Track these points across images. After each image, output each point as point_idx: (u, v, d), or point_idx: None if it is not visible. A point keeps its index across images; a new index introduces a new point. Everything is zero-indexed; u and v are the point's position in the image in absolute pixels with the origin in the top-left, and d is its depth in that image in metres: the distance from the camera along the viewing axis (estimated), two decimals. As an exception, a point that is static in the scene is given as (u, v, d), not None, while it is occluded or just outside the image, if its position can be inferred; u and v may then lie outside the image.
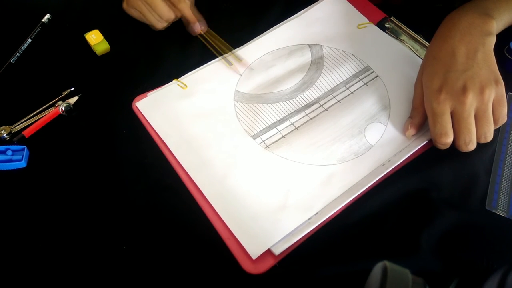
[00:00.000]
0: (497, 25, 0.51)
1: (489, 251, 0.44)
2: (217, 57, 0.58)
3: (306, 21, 0.62)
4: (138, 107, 0.54)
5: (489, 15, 0.50)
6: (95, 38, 0.59)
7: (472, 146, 0.47)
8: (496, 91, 0.46)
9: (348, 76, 0.57)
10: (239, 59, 0.57)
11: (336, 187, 0.47)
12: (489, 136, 0.47)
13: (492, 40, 0.49)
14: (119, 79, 0.57)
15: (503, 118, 0.47)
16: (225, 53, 0.58)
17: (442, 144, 0.48)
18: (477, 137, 0.47)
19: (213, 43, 0.59)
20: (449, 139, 0.47)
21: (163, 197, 0.48)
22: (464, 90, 0.46)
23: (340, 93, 0.55)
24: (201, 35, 0.60)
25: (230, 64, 0.57)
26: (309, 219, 0.45)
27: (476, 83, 0.46)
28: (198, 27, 0.59)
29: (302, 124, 0.53)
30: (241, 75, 0.56)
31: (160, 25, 0.58)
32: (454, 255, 0.44)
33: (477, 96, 0.46)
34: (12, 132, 0.53)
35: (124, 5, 0.58)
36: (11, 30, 0.62)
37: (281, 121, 0.53)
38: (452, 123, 0.47)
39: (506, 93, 0.48)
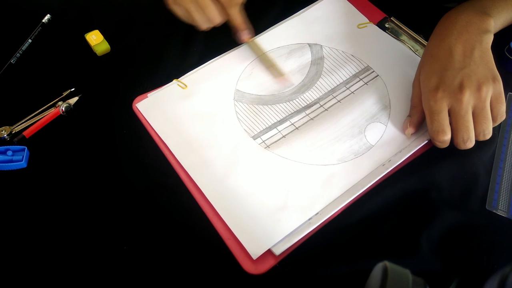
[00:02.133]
0: (495, 24, 0.50)
1: (489, 251, 0.44)
2: (214, 57, 0.59)
3: (306, 20, 0.62)
4: (139, 108, 0.54)
5: (486, 13, 0.50)
6: (95, 39, 0.59)
7: (470, 144, 0.47)
8: (493, 88, 0.46)
9: (348, 76, 0.57)
10: (281, 73, 0.56)
11: (337, 187, 0.47)
12: (487, 134, 0.48)
13: (490, 38, 0.49)
14: (119, 80, 0.57)
15: (502, 115, 0.47)
16: (267, 63, 0.57)
17: (440, 142, 0.48)
18: (476, 135, 0.47)
19: (257, 53, 0.58)
20: (447, 137, 0.47)
21: (163, 197, 0.48)
22: (461, 88, 0.46)
23: (340, 93, 0.55)
24: (247, 43, 0.59)
25: (277, 75, 0.56)
26: (309, 219, 0.45)
27: (473, 81, 0.46)
28: (246, 34, 0.57)
29: (303, 124, 0.53)
30: (288, 87, 0.56)
31: (206, 26, 0.56)
32: (455, 255, 0.44)
33: (474, 93, 0.46)
34: (13, 132, 0.53)
35: (170, 0, 0.56)
36: (11, 30, 0.62)
37: (281, 121, 0.53)
38: (450, 121, 0.47)
39: (506, 93, 0.48)
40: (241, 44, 0.59)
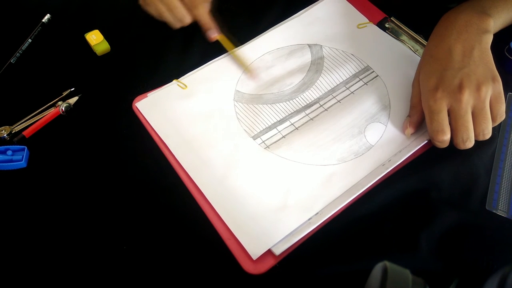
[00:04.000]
0: (495, 24, 0.51)
1: (489, 251, 0.44)
2: (214, 57, 0.59)
3: (306, 21, 0.62)
4: (138, 108, 0.54)
5: (486, 13, 0.50)
6: (95, 39, 0.59)
7: (469, 144, 0.47)
8: (493, 88, 0.46)
9: (348, 76, 0.57)
10: (250, 71, 0.57)
11: (336, 187, 0.47)
12: (487, 134, 0.48)
13: (489, 38, 0.49)
14: (119, 79, 0.57)
15: (501, 115, 0.47)
16: (238, 61, 0.58)
17: (439, 142, 0.48)
18: (475, 135, 0.47)
19: (229, 49, 0.58)
20: (446, 136, 0.47)
21: (163, 197, 0.48)
22: (460, 88, 0.46)
23: (340, 93, 0.55)
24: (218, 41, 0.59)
25: (247, 72, 0.57)
26: (309, 219, 0.45)
27: (473, 81, 0.46)
28: (213, 33, 0.58)
29: (302, 124, 0.53)
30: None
31: (178, 25, 0.58)
32: (454, 255, 0.44)
33: (474, 93, 0.46)
34: (12, 132, 0.53)
35: (141, 1, 0.58)
36: (11, 30, 0.62)
37: (281, 121, 0.53)
38: (450, 121, 0.47)
39: (506, 93, 0.48)
40: (249, 40, 0.60)
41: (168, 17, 0.57)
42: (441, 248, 0.44)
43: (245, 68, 0.57)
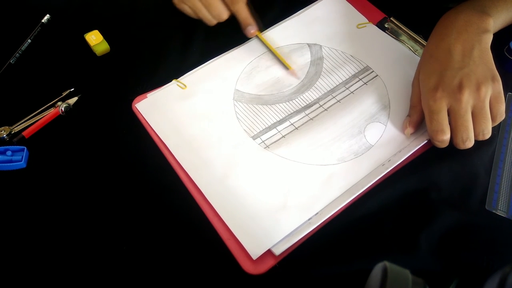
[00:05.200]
0: (495, 23, 0.51)
1: (489, 251, 0.44)
2: (214, 57, 0.59)
3: (306, 20, 0.62)
4: (138, 109, 0.54)
5: (486, 12, 0.50)
6: (94, 39, 0.59)
7: (469, 144, 0.47)
8: (493, 88, 0.46)
9: (347, 77, 0.57)
10: (288, 67, 0.57)
11: (336, 187, 0.47)
12: (487, 133, 0.48)
13: (489, 38, 0.49)
14: (119, 80, 0.57)
15: (501, 115, 0.47)
16: (278, 55, 0.58)
17: (439, 141, 0.48)
18: (475, 134, 0.47)
19: (267, 45, 0.59)
20: (446, 136, 0.47)
21: (163, 197, 0.48)
22: (460, 88, 0.46)
23: (339, 93, 0.55)
24: (257, 36, 0.59)
25: (287, 68, 0.57)
26: (309, 219, 0.45)
27: (472, 80, 0.46)
28: (253, 29, 0.58)
29: (302, 124, 0.53)
30: (299, 79, 0.56)
31: (214, 22, 0.57)
32: (454, 255, 0.44)
33: (473, 93, 0.46)
34: (12, 132, 0.53)
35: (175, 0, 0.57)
36: (11, 30, 0.62)
37: (281, 121, 0.53)
38: (450, 120, 0.47)
39: (505, 93, 0.48)
40: (249, 38, 0.60)
41: (205, 14, 0.55)
42: (441, 248, 0.44)
43: (285, 63, 0.57)
